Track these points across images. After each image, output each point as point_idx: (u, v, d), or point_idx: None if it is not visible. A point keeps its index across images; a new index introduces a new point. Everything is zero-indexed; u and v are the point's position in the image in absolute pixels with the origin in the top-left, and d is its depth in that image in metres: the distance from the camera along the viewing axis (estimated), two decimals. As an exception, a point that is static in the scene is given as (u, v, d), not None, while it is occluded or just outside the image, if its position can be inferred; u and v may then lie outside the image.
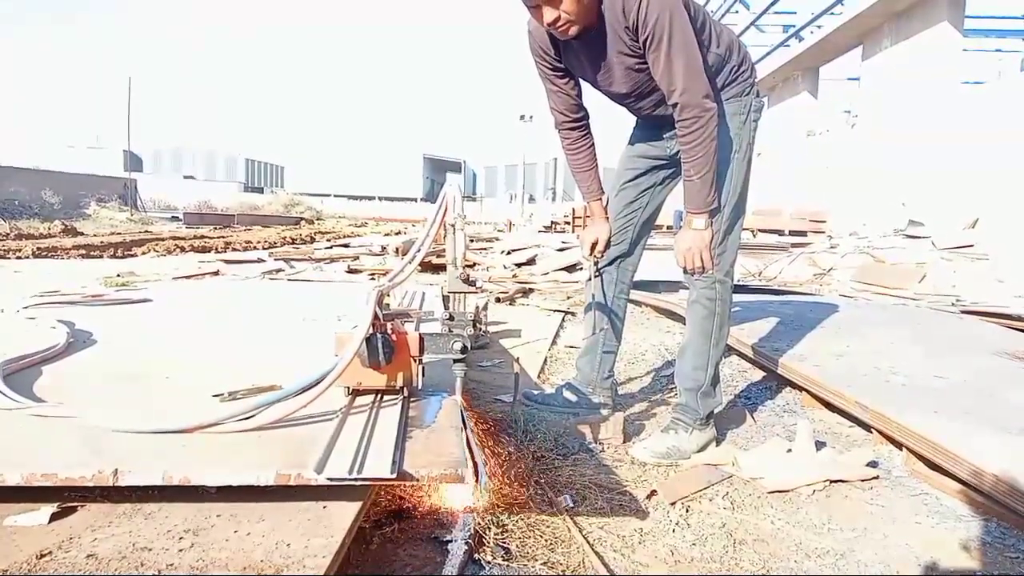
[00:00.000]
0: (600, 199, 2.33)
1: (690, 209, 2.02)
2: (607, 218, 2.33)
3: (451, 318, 1.74)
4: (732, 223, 2.12)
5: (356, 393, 1.69)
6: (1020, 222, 7.25)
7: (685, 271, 2.13)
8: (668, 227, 12.25)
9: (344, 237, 14.64)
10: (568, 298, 5.39)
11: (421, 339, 1.67)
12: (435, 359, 1.71)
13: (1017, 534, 1.59)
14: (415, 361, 1.67)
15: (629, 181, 2.33)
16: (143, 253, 9.14)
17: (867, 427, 2.28)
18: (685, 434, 2.11)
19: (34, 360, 1.99)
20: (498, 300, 5.17)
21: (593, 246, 2.30)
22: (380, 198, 49.35)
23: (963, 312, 4.32)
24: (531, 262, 7.64)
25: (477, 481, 1.30)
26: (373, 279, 5.82)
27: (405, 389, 1.70)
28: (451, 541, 1.40)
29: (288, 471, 1.22)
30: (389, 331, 1.64)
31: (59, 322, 2.52)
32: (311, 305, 3.68)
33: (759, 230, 12.41)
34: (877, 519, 1.67)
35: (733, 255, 2.15)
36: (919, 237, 7.86)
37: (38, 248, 8.71)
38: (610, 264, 2.36)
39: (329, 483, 1.21)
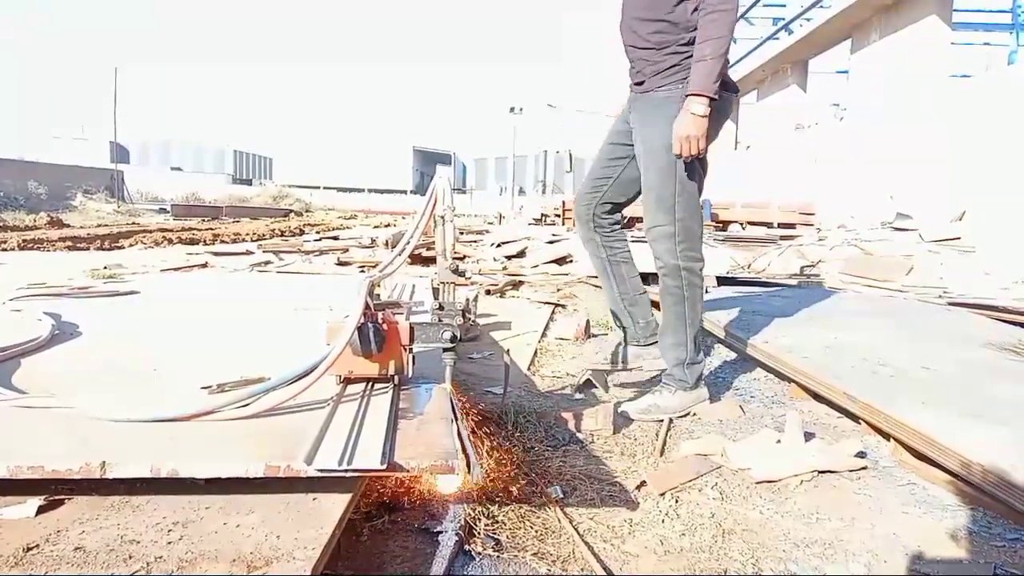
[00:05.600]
0: None
1: (694, 91, 2.00)
2: None
3: (441, 308, 1.74)
4: (689, 214, 2.19)
5: (347, 382, 1.68)
6: (1006, 215, 7.31)
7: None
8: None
9: (333, 229, 14.59)
10: (558, 290, 5.39)
11: (411, 328, 1.67)
12: (425, 349, 1.71)
13: (1004, 523, 1.61)
14: (406, 350, 1.67)
15: (614, 143, 2.41)
16: (130, 245, 9.07)
17: (855, 418, 2.30)
18: (669, 394, 2.28)
19: (14, 352, 1.97)
20: (488, 292, 5.17)
21: None
22: (369, 190, 49.18)
23: (950, 304, 4.35)
24: (521, 254, 7.64)
25: (468, 472, 1.30)
26: (363, 271, 5.80)
27: (396, 377, 1.70)
28: (442, 532, 1.40)
29: (277, 463, 1.22)
30: (380, 320, 1.64)
31: (45, 314, 2.49)
32: (301, 297, 3.66)
33: (748, 223, 12.44)
34: (865, 509, 1.68)
35: (696, 243, 2.24)
36: (907, 230, 7.91)
37: (24, 240, 8.63)
38: (599, 226, 2.48)
39: (319, 474, 1.21)
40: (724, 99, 2.12)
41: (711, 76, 1.97)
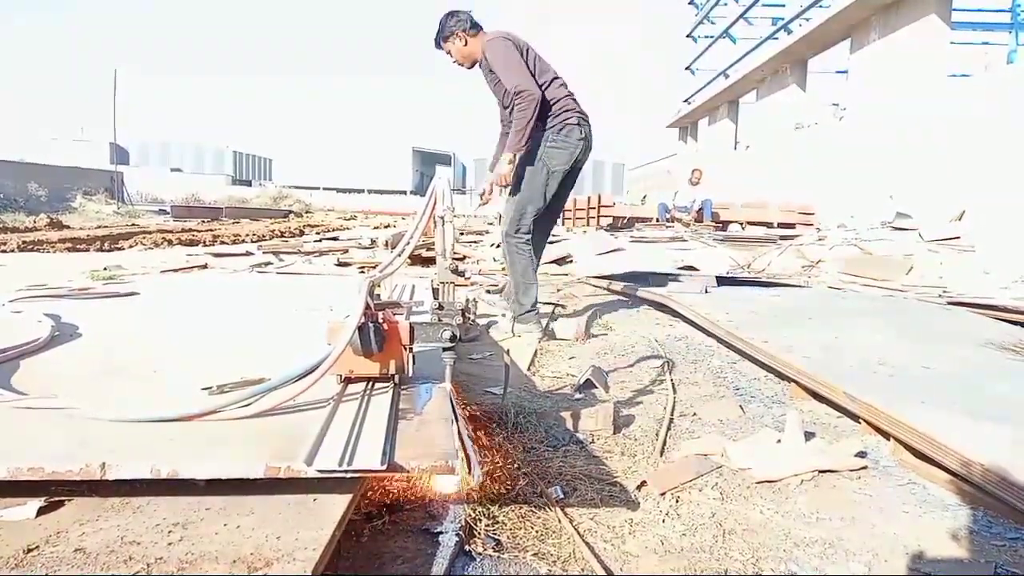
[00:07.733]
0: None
1: (505, 149, 3.45)
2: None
3: (441, 307, 1.74)
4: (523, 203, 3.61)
5: (348, 381, 1.68)
6: (1006, 214, 7.31)
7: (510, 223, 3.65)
8: (656, 220, 12.30)
9: (333, 230, 14.59)
10: (558, 291, 5.40)
11: (411, 328, 1.67)
12: (425, 348, 1.71)
13: (1004, 523, 1.61)
14: (406, 349, 1.67)
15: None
16: (130, 246, 9.07)
17: (855, 418, 2.30)
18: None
19: (14, 353, 1.96)
20: (488, 292, 5.16)
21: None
22: (369, 191, 49.19)
23: (950, 303, 4.35)
24: (521, 255, 7.61)
25: (469, 473, 1.30)
26: (363, 272, 5.80)
27: (396, 377, 1.70)
28: (442, 533, 1.40)
29: (278, 463, 1.22)
30: (380, 320, 1.64)
31: (45, 315, 2.49)
32: (301, 297, 3.66)
33: (748, 222, 12.44)
34: (865, 508, 1.68)
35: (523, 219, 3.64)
36: (906, 229, 7.90)
37: (23, 241, 8.63)
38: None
39: (319, 475, 1.21)
40: (551, 138, 3.51)
41: (513, 143, 3.38)
